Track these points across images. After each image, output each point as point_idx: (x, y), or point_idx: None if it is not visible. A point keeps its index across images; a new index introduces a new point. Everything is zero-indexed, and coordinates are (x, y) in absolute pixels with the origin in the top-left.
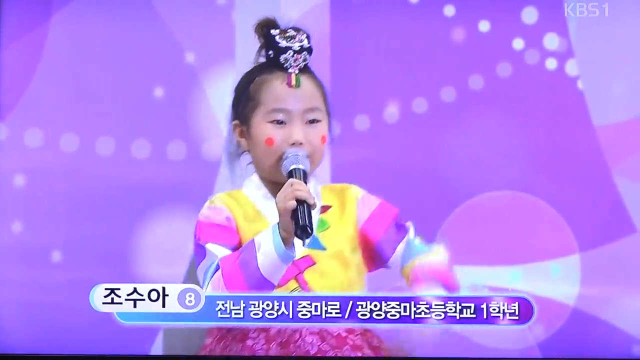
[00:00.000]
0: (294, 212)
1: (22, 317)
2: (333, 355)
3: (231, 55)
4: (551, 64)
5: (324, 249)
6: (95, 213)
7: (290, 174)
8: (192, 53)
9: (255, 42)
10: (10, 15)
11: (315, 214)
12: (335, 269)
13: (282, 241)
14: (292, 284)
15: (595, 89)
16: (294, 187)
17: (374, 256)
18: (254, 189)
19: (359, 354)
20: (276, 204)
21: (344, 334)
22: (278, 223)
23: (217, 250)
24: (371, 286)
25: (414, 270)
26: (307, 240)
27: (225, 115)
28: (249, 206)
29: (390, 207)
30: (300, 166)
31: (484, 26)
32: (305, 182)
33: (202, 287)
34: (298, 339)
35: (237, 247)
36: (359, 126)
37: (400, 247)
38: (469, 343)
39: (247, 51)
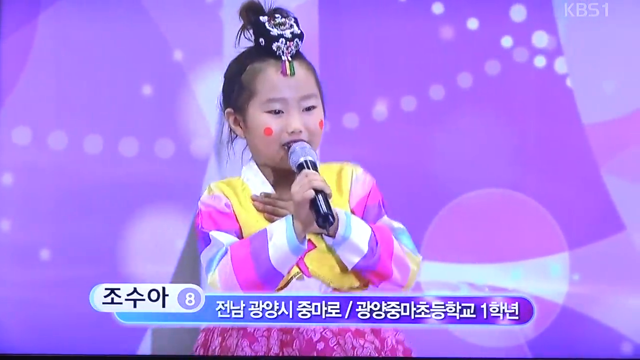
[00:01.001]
0: (312, 202)
1: (9, 315)
2: (335, 341)
3: (219, 53)
4: (540, 61)
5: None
6: (83, 211)
7: (301, 167)
8: (180, 51)
9: (243, 39)
10: None
11: None
12: (332, 250)
13: (295, 234)
14: (294, 269)
15: (584, 86)
16: (309, 178)
17: None
18: (252, 175)
19: (362, 341)
20: (292, 195)
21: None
22: (292, 215)
23: (222, 237)
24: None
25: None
26: (330, 228)
27: (214, 113)
28: (246, 192)
29: (377, 193)
30: (309, 158)
31: (473, 24)
32: (316, 170)
33: (207, 273)
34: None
35: (239, 233)
36: (348, 124)
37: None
38: (460, 342)
39: (234, 45)
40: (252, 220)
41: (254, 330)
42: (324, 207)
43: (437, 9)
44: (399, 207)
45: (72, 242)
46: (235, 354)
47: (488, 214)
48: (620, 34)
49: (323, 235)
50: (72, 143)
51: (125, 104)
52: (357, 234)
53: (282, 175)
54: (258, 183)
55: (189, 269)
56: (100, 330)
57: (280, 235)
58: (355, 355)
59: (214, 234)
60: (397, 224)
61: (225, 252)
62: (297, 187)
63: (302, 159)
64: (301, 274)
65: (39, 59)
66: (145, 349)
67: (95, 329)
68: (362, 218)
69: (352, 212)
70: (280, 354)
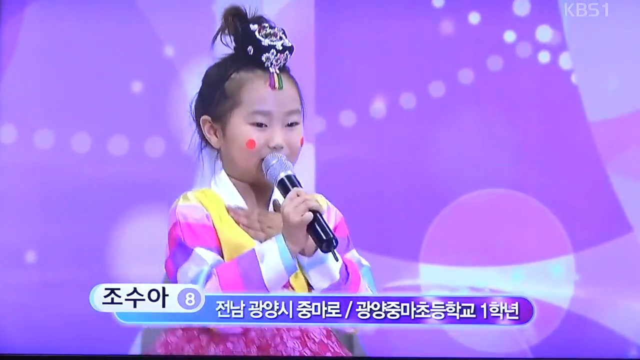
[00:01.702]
0: (311, 225)
1: None
2: None
3: (211, 49)
4: (544, 57)
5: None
6: (70, 212)
7: (282, 182)
8: (171, 46)
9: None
10: None
11: None
12: (303, 269)
13: (290, 253)
14: None
15: (589, 83)
16: (303, 198)
17: None
18: (223, 186)
19: None
20: (286, 216)
21: (325, 341)
22: (283, 234)
23: (206, 256)
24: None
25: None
26: (334, 250)
27: None
28: (221, 204)
29: (345, 227)
30: (289, 172)
31: (474, 18)
32: (300, 186)
33: None
34: (279, 343)
35: (219, 248)
36: (345, 122)
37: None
38: (462, 347)
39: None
40: (232, 235)
41: (232, 348)
42: (327, 231)
43: (438, 2)
44: (398, 208)
45: (59, 243)
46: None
47: (490, 215)
48: (626, 29)
49: (298, 254)
50: (60, 141)
51: (115, 101)
52: (332, 260)
53: (253, 189)
54: (229, 195)
55: None
56: (90, 331)
57: (273, 256)
58: None
59: (198, 251)
60: (364, 262)
61: (210, 274)
62: (291, 208)
63: (282, 174)
64: (287, 285)
65: (25, 55)
66: (136, 350)
67: (85, 331)
68: None
69: None
70: None
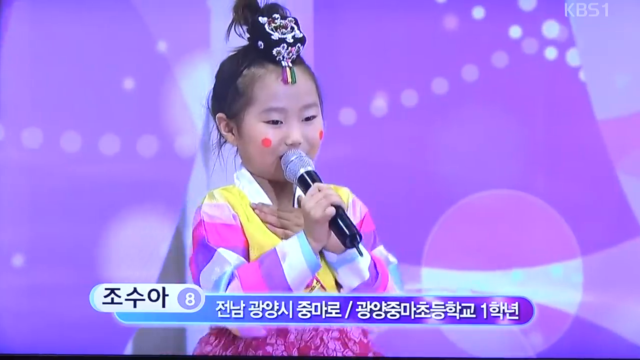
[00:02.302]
0: (333, 220)
1: None
2: None
3: (206, 44)
4: (551, 53)
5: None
6: (60, 213)
7: (302, 179)
8: (164, 42)
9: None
10: None
11: None
12: (328, 267)
13: (312, 251)
14: (313, 282)
15: (598, 80)
16: (325, 193)
17: None
18: (246, 183)
19: None
20: (307, 212)
21: (365, 340)
22: (304, 232)
23: (230, 257)
24: None
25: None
26: (359, 245)
27: (200, 109)
28: (246, 201)
29: (371, 221)
30: (309, 168)
31: (479, 13)
32: (321, 182)
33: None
34: (319, 345)
35: (246, 248)
36: (345, 120)
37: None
38: (464, 352)
39: (224, 40)
40: (258, 234)
41: (272, 351)
42: (350, 226)
43: None
44: (400, 210)
45: (47, 246)
46: None
47: (495, 217)
48: (634, 26)
49: (324, 251)
50: (48, 140)
51: (106, 99)
52: (362, 258)
53: (276, 185)
54: (253, 192)
55: (174, 273)
56: (80, 334)
57: (295, 254)
58: None
59: (221, 251)
60: (392, 258)
61: (232, 276)
62: (312, 204)
63: (302, 170)
64: (319, 285)
65: (12, 50)
66: (128, 351)
67: (80, 332)
68: None
69: None
70: None
